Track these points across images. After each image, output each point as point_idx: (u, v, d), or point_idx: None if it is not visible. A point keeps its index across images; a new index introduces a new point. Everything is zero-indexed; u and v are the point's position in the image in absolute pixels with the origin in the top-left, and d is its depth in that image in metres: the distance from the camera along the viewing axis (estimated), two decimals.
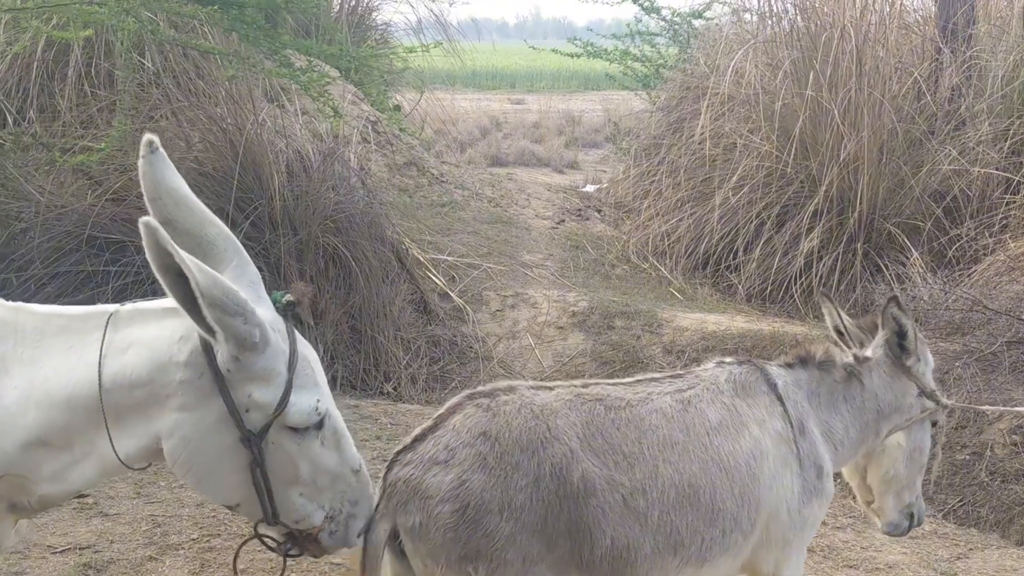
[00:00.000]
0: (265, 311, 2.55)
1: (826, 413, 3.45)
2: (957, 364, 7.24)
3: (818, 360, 3.51)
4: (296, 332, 2.63)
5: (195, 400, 2.46)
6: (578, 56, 15.15)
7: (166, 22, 8.11)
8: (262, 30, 7.13)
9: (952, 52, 10.15)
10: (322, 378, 2.65)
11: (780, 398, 3.31)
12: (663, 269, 10.44)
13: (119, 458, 2.50)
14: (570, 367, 8.39)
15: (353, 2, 13.84)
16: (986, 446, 6.70)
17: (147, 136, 2.60)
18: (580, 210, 12.47)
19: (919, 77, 10.07)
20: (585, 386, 3.16)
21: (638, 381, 3.28)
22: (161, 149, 2.61)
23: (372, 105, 10.91)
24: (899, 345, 3.57)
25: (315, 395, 2.55)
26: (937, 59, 10.29)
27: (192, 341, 2.46)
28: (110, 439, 2.47)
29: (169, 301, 2.44)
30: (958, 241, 9.23)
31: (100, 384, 2.44)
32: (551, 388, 3.12)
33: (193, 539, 5.10)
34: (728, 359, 3.46)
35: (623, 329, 8.72)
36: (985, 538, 5.87)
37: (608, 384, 3.22)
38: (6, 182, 7.79)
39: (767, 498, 3.18)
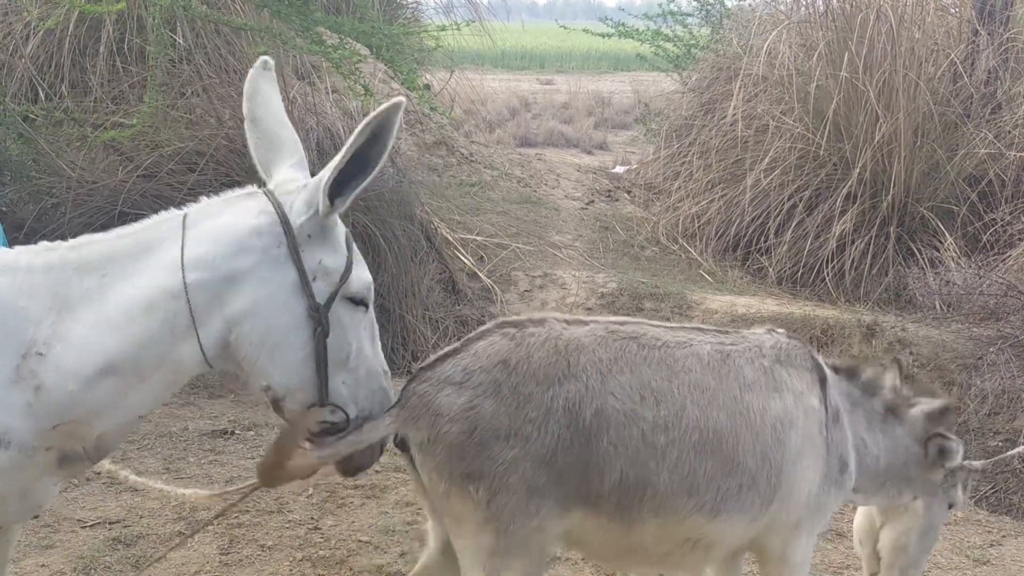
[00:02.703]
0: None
1: (863, 431, 3.44)
2: (991, 350, 7.16)
3: (864, 380, 3.48)
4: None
5: (271, 271, 2.62)
6: (609, 36, 14.99)
7: None
8: (294, 7, 7.10)
9: (989, 34, 10.01)
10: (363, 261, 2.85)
11: (822, 380, 3.28)
12: (693, 251, 10.37)
13: (202, 351, 2.62)
14: None
15: None
16: (1019, 433, 6.63)
17: (264, 57, 2.92)
18: (609, 191, 12.41)
19: (955, 59, 9.94)
20: (623, 324, 3.15)
21: (682, 327, 3.27)
22: (273, 72, 2.92)
23: (402, 84, 10.85)
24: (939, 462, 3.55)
25: (366, 270, 2.78)
26: (974, 41, 10.14)
27: (270, 213, 2.65)
28: (197, 335, 2.59)
29: (234, 192, 2.73)
30: (993, 226, 9.13)
31: (184, 281, 2.57)
32: (586, 323, 3.11)
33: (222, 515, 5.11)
34: (780, 329, 3.43)
35: (652, 311, 8.67)
36: (1018, 525, 5.81)
37: (649, 324, 3.20)
38: (38, 157, 7.82)
39: (789, 469, 3.14)
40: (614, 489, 2.92)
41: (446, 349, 3.02)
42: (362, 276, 2.74)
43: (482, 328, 3.09)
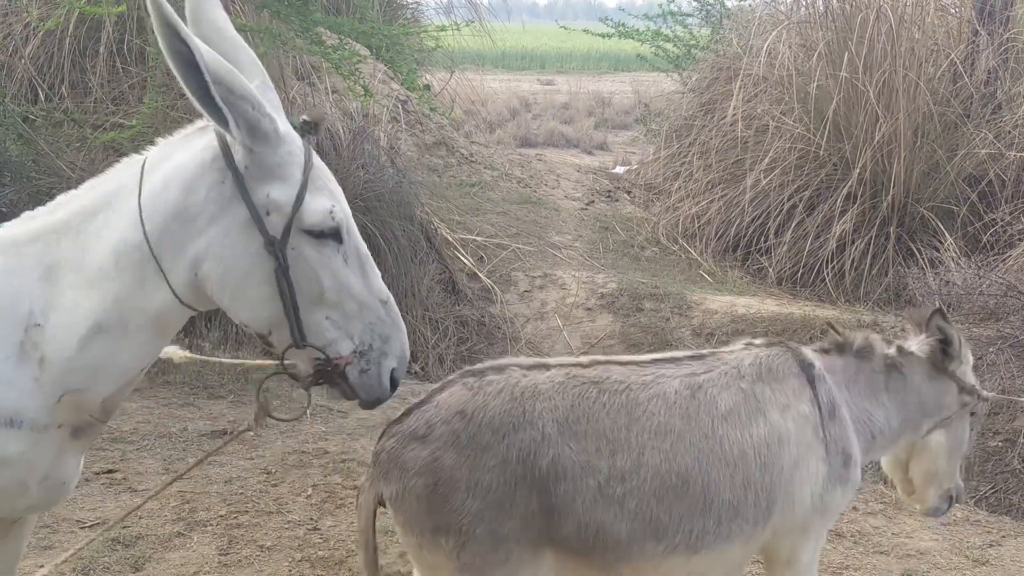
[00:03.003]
0: (283, 123, 2.60)
1: (866, 401, 3.39)
2: (991, 350, 7.15)
3: (856, 348, 3.45)
4: (313, 151, 2.67)
5: (220, 208, 2.53)
6: (609, 36, 15.01)
7: None
8: (293, 7, 7.10)
9: (989, 34, 10.02)
10: (339, 192, 2.67)
11: (811, 381, 3.25)
12: (693, 251, 10.38)
13: (177, 296, 2.57)
14: (598, 349, 8.35)
15: None
16: (1019, 433, 6.63)
17: None
18: (610, 191, 12.41)
19: (955, 59, 9.95)
20: (589, 365, 3.11)
21: (655, 361, 3.21)
22: None
23: (402, 84, 10.87)
24: (944, 351, 3.53)
25: (330, 200, 2.59)
26: (974, 41, 10.14)
27: (213, 148, 2.53)
28: (167, 281, 2.55)
29: (192, 126, 2.62)
30: (993, 226, 9.13)
31: (144, 231, 2.52)
32: (548, 368, 3.08)
33: (221, 515, 5.11)
34: (757, 340, 3.38)
35: (652, 311, 8.68)
36: (1018, 525, 5.80)
37: (618, 364, 3.16)
38: (38, 158, 7.81)
39: (785, 484, 3.10)
40: (576, 537, 2.91)
41: (413, 402, 3.01)
42: (317, 207, 2.57)
43: (446, 379, 3.08)
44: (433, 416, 2.90)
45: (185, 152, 2.57)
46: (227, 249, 2.55)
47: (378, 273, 2.73)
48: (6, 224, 2.65)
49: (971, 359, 3.67)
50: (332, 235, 2.60)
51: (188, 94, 2.42)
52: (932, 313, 3.49)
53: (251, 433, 3.05)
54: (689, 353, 3.31)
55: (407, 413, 2.97)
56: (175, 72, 2.40)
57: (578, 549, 2.93)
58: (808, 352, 3.36)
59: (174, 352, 3.26)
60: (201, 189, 2.52)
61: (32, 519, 3.03)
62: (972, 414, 3.68)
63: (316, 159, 2.64)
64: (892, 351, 3.49)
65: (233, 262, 2.56)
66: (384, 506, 2.98)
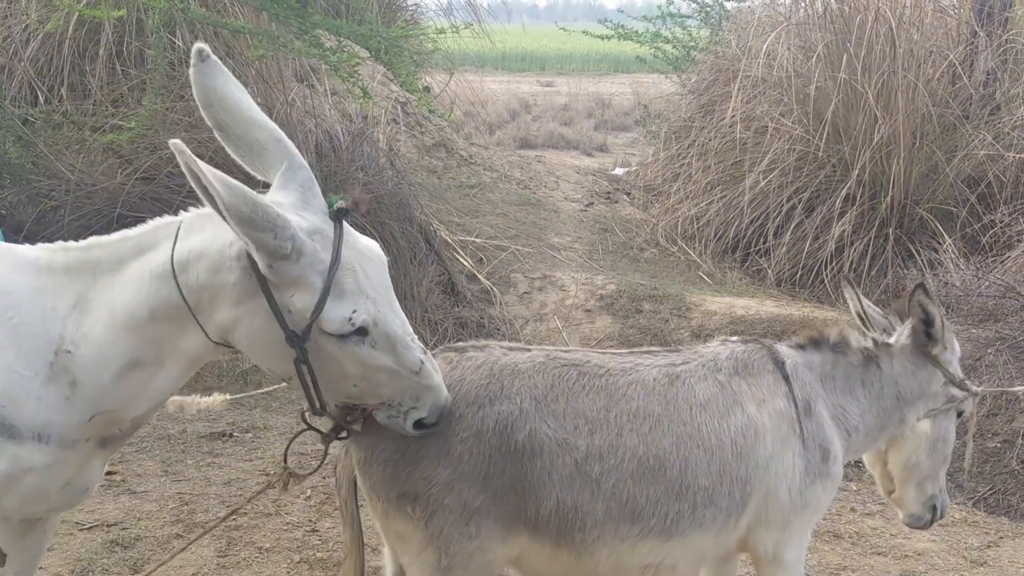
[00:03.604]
0: (310, 216, 2.59)
1: (841, 397, 3.39)
2: (989, 351, 7.16)
3: (832, 342, 3.45)
4: (353, 235, 2.66)
5: (246, 295, 2.57)
6: (608, 38, 15.02)
7: (197, 1, 8.10)
8: (292, 9, 7.10)
9: (988, 35, 10.01)
10: (374, 284, 2.64)
11: (786, 378, 3.26)
12: (692, 253, 10.38)
13: (212, 340, 2.66)
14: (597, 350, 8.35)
15: None
16: (1017, 434, 6.63)
17: (197, 45, 2.63)
18: (609, 193, 12.41)
19: (954, 60, 9.94)
20: (567, 351, 3.16)
21: (632, 352, 3.26)
22: (213, 57, 2.63)
23: (402, 86, 10.88)
24: (925, 333, 3.51)
25: (352, 305, 2.57)
26: (972, 42, 10.14)
27: (239, 244, 2.54)
28: (203, 330, 2.63)
29: None
30: (992, 227, 9.12)
31: (180, 291, 2.58)
32: (528, 350, 3.13)
33: (220, 517, 5.12)
34: (733, 338, 3.42)
35: (651, 313, 8.68)
36: (1016, 526, 5.81)
37: (596, 353, 3.21)
38: (37, 160, 7.82)
39: (761, 478, 3.13)
40: (552, 516, 2.93)
41: None
42: (336, 315, 2.56)
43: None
44: None
45: (217, 235, 2.58)
46: (253, 329, 2.61)
47: (411, 345, 2.71)
48: (39, 247, 2.72)
49: (958, 349, 3.64)
50: (355, 332, 2.61)
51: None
52: (914, 289, 3.47)
53: (276, 490, 3.13)
54: (666, 349, 3.35)
55: None
56: (205, 201, 2.45)
57: (554, 531, 2.96)
58: (783, 349, 3.38)
59: (218, 400, 3.31)
60: (229, 276, 2.56)
61: (56, 518, 3.09)
62: (960, 414, 3.66)
63: (346, 253, 2.60)
64: (868, 343, 3.49)
65: (259, 340, 2.63)
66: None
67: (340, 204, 2.63)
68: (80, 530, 4.93)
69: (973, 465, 6.59)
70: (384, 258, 2.74)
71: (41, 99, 8.42)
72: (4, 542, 2.90)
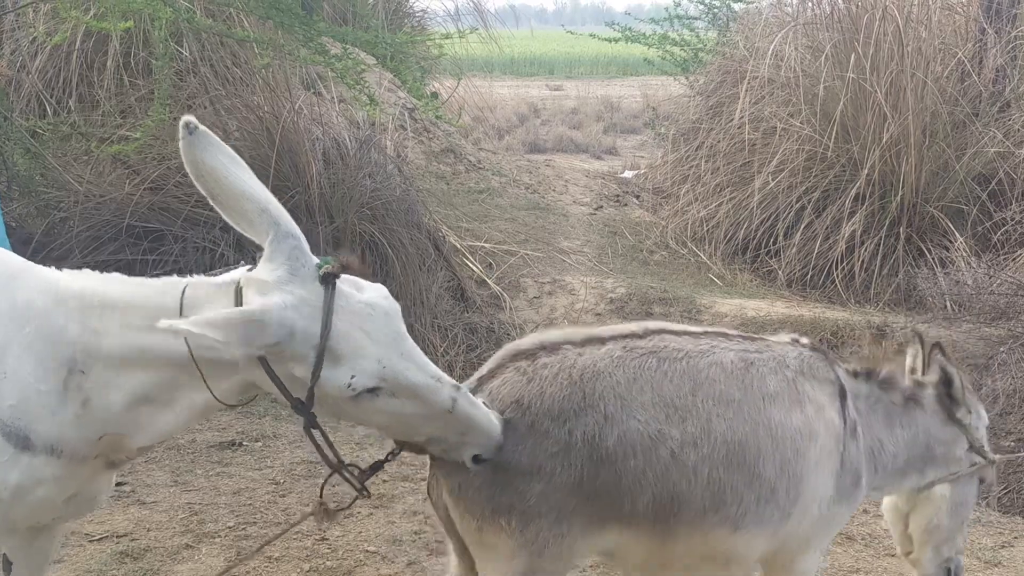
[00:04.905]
0: (297, 290, 2.54)
1: (881, 432, 3.40)
2: (1002, 349, 7.12)
3: (881, 378, 3.45)
4: (349, 296, 2.60)
5: (251, 365, 2.55)
6: (616, 41, 15.02)
7: (203, 11, 8.12)
8: (297, 17, 7.11)
9: (996, 32, 9.97)
10: (377, 341, 2.58)
11: (842, 394, 3.25)
12: (702, 255, 10.35)
13: (220, 401, 2.65)
14: None
15: None
16: None
17: (184, 118, 2.57)
18: (618, 196, 12.40)
19: (963, 58, 9.90)
20: (644, 335, 3.08)
21: (706, 333, 3.20)
22: (201, 128, 2.57)
23: (409, 92, 10.89)
24: (947, 395, 3.51)
25: (350, 371, 2.53)
26: (981, 39, 10.10)
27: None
28: (210, 390, 2.62)
29: (227, 277, 2.62)
30: (1003, 225, 9.08)
31: (191, 352, 2.56)
32: (604, 342, 3.03)
33: (229, 527, 5.11)
34: (804, 340, 3.38)
35: (661, 315, 8.65)
36: None
37: (671, 333, 3.13)
38: (45, 172, 7.86)
39: (809, 480, 3.10)
40: (648, 510, 2.90)
41: None
42: (335, 382, 2.54)
43: (494, 363, 3.03)
44: (487, 405, 2.86)
45: (217, 305, 2.57)
46: (267, 389, 2.62)
47: (436, 386, 2.65)
48: (49, 269, 2.74)
49: (984, 416, 3.64)
50: (367, 392, 2.57)
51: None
52: (931, 349, 3.49)
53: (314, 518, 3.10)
54: (740, 333, 3.30)
55: None
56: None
57: (649, 522, 2.94)
58: (840, 368, 3.36)
59: None
60: (232, 348, 2.51)
61: (62, 527, 3.10)
62: (981, 481, 3.67)
63: (339, 320, 2.54)
64: (911, 385, 3.48)
65: (276, 393, 2.62)
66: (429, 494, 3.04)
67: (327, 269, 2.57)
68: (90, 541, 4.93)
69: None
70: (392, 307, 2.66)
71: (49, 111, 8.46)
72: (10, 550, 2.92)
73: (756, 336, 3.33)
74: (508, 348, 3.08)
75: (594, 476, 2.85)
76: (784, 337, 3.38)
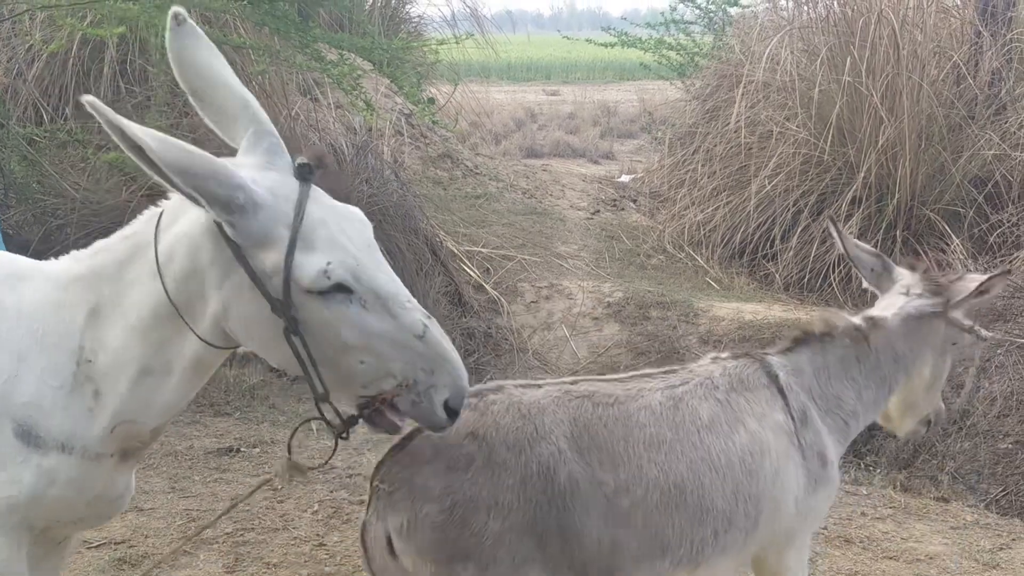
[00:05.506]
0: (272, 175, 2.49)
1: (836, 385, 3.34)
2: (999, 352, 7.12)
3: (819, 334, 3.41)
4: (328, 198, 2.54)
5: (226, 271, 2.48)
6: (612, 46, 15.01)
7: (199, 18, 8.13)
8: (293, 24, 7.11)
9: (992, 35, 9.98)
10: (353, 239, 2.51)
11: (781, 390, 3.22)
12: (699, 259, 10.36)
13: (209, 343, 2.57)
14: (605, 358, 8.34)
15: None
16: None
17: (174, 9, 2.54)
18: (615, 200, 12.41)
19: (958, 61, 9.92)
20: (574, 383, 3.09)
21: (631, 377, 3.20)
22: (190, 22, 2.55)
23: (405, 98, 10.91)
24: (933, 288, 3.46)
25: (326, 257, 2.44)
26: (976, 42, 10.11)
27: (205, 218, 2.46)
28: (191, 328, 2.56)
29: None
30: (1000, 227, 9.09)
31: (165, 288, 2.52)
32: (540, 386, 3.06)
33: (227, 533, 5.11)
34: (724, 354, 3.36)
35: (659, 319, 8.66)
36: None
37: (599, 380, 3.15)
38: (42, 179, 7.85)
39: (769, 493, 3.09)
40: (593, 556, 2.87)
41: (410, 428, 2.84)
42: (309, 268, 2.42)
43: None
44: (440, 441, 2.81)
45: (187, 219, 2.52)
46: (242, 307, 2.51)
47: (408, 306, 2.55)
48: (53, 261, 2.74)
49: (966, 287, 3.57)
50: (336, 289, 2.48)
51: (158, 181, 2.38)
52: (1000, 273, 3.45)
53: (277, 482, 2.98)
54: (661, 369, 3.30)
55: (408, 438, 2.87)
56: (140, 164, 2.35)
57: (596, 572, 2.89)
58: (773, 359, 3.33)
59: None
60: (204, 255, 2.48)
61: (74, 537, 3.09)
62: (953, 343, 3.60)
63: (314, 207, 2.49)
64: (856, 321, 3.45)
65: (250, 320, 2.53)
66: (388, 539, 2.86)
67: (302, 160, 2.52)
68: (87, 548, 4.92)
69: (984, 467, 6.56)
70: (367, 222, 2.59)
71: (46, 118, 8.45)
72: (22, 566, 2.89)
73: (677, 367, 3.31)
74: None
75: (547, 513, 2.81)
76: (704, 359, 3.36)
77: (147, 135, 2.30)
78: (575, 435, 2.90)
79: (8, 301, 2.65)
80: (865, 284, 3.67)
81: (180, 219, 2.54)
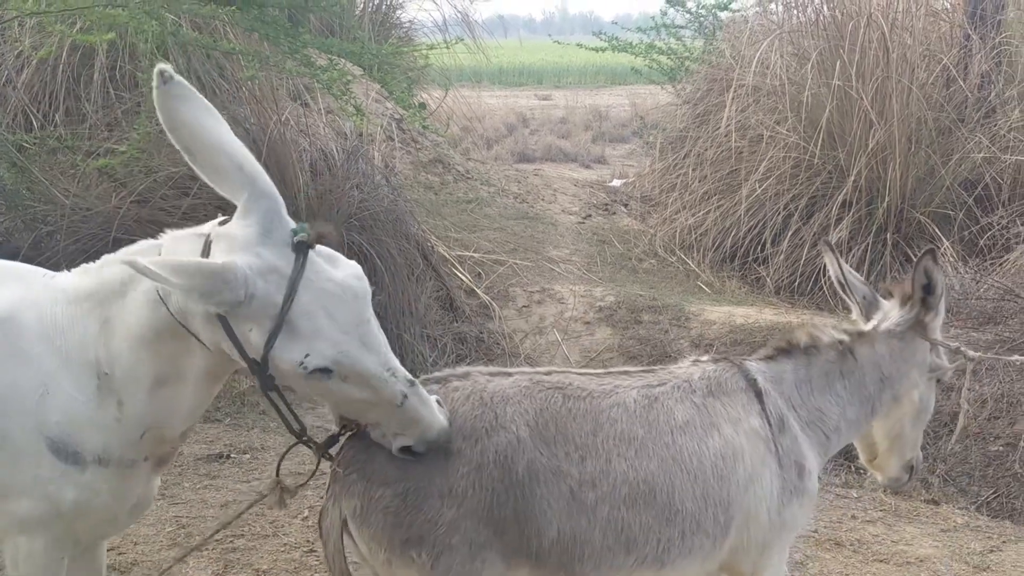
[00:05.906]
0: (267, 253, 2.48)
1: (819, 399, 3.33)
2: (989, 354, 7.12)
3: (803, 346, 3.40)
4: (321, 270, 2.52)
5: (211, 322, 2.51)
6: (603, 50, 15.08)
7: (189, 24, 8.12)
8: (282, 29, 7.11)
9: (981, 38, 10.02)
10: (341, 325, 2.51)
11: (759, 395, 3.21)
12: (690, 262, 10.37)
13: (205, 344, 2.61)
14: (597, 362, 8.34)
15: (377, 1, 13.86)
16: (1019, 437, 6.59)
17: (159, 66, 2.51)
18: (607, 205, 12.42)
19: (948, 64, 9.95)
20: (548, 373, 3.09)
21: (608, 373, 3.20)
22: (176, 78, 2.51)
23: (396, 103, 10.91)
24: (922, 300, 3.47)
25: (304, 350, 2.46)
26: (966, 46, 10.15)
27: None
28: (196, 337, 2.60)
29: (199, 228, 2.60)
30: (990, 230, 9.12)
31: (170, 312, 2.57)
32: (510, 374, 3.05)
33: (217, 540, 5.09)
34: (704, 357, 3.36)
35: (650, 323, 8.66)
36: (1019, 530, 5.76)
37: (575, 373, 3.14)
38: (32, 186, 7.82)
39: (741, 500, 3.07)
40: (554, 546, 2.86)
41: None
42: (288, 357, 2.47)
43: None
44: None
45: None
46: (228, 349, 2.56)
47: (391, 379, 2.60)
48: (64, 274, 2.79)
49: (942, 312, 3.56)
50: (319, 372, 2.51)
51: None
52: (923, 253, 3.40)
53: (269, 500, 3.02)
54: (641, 368, 3.30)
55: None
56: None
57: (555, 562, 2.89)
58: (753, 364, 3.32)
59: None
60: (196, 306, 2.50)
61: (104, 544, 3.15)
62: (938, 381, 3.63)
63: (305, 294, 2.47)
64: (841, 336, 3.44)
65: (237, 356, 2.57)
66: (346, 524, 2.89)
67: (301, 237, 2.49)
68: None
69: (975, 469, 6.56)
70: (363, 291, 2.58)
71: (36, 125, 8.44)
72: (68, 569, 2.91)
73: (657, 368, 3.31)
74: (421, 377, 3.01)
75: (504, 501, 2.81)
76: (685, 362, 3.36)
77: (171, 272, 2.34)
78: (540, 425, 2.90)
79: (27, 318, 2.66)
80: (854, 315, 3.66)
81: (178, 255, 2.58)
